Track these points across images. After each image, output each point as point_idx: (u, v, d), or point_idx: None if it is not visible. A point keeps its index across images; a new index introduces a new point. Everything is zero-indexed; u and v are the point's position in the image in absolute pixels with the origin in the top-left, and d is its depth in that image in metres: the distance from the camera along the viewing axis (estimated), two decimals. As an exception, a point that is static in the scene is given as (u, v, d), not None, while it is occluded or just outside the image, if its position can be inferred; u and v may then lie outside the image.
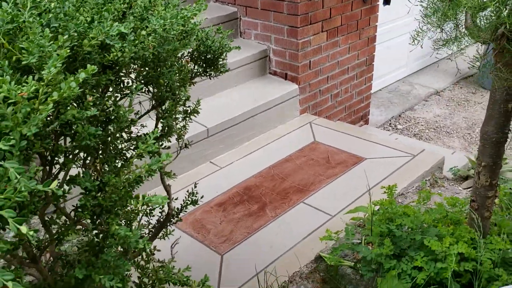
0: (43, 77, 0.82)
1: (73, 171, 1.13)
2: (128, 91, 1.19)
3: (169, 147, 1.34)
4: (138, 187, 1.46)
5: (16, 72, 0.92)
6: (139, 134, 1.23)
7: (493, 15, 1.21)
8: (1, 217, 0.67)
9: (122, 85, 1.20)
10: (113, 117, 1.11)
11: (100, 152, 1.09)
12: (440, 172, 2.90)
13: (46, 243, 1.08)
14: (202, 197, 1.66)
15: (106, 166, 1.05)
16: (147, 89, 1.27)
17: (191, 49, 1.60)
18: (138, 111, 1.46)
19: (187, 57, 1.46)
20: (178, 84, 1.27)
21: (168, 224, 1.52)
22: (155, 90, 1.24)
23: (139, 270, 1.24)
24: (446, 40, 1.47)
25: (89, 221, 1.06)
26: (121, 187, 0.98)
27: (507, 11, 1.20)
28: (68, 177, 1.00)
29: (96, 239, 1.07)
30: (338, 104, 3.79)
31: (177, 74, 1.26)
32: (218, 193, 2.68)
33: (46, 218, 1.14)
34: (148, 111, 1.35)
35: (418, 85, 4.95)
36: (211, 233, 2.38)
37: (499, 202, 2.18)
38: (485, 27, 1.26)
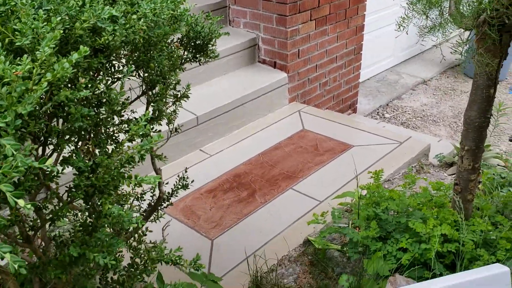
0: (37, 57, 0.84)
1: (66, 155, 1.15)
2: (120, 75, 1.21)
3: (159, 131, 1.36)
4: (130, 170, 1.48)
5: (9, 54, 0.93)
6: (130, 118, 1.25)
7: (475, 1, 1.24)
8: (-1, 193, 0.69)
9: (113, 69, 1.21)
10: (104, 100, 1.13)
11: (92, 134, 1.11)
12: (426, 159, 2.96)
13: (40, 224, 1.10)
14: (192, 182, 1.69)
15: (98, 149, 1.07)
16: (137, 73, 1.29)
17: (181, 35, 1.62)
18: (129, 96, 1.48)
19: (177, 42, 1.48)
20: (168, 68, 1.29)
21: (159, 208, 1.55)
22: (146, 75, 1.26)
23: (131, 251, 1.27)
24: (431, 27, 1.51)
25: (82, 202, 1.08)
26: (114, 167, 1.01)
27: (489, -3, 1.24)
28: (61, 158, 1.02)
29: (89, 219, 1.10)
30: (327, 92, 3.83)
31: (168, 59, 1.28)
32: (208, 181, 2.71)
33: (38, 204, 1.16)
34: (139, 96, 1.37)
35: (405, 75, 5.00)
36: (201, 219, 2.41)
37: (483, 187, 2.24)
38: (468, 13, 1.29)
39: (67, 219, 1.40)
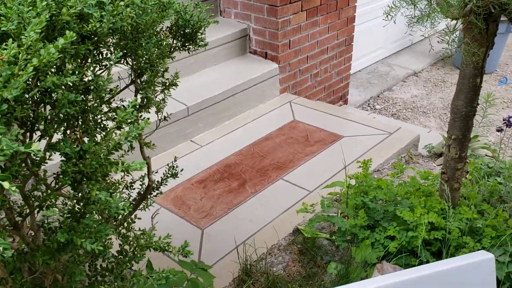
0: (22, 42, 0.84)
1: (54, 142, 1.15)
2: (107, 63, 1.21)
3: (148, 118, 1.37)
4: (120, 160, 1.48)
5: (-6, 40, 0.93)
6: (118, 106, 1.25)
7: (461, -10, 1.25)
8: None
9: (101, 56, 1.21)
10: (92, 87, 1.13)
11: (80, 121, 1.11)
12: (416, 150, 2.99)
13: (28, 211, 1.10)
14: (182, 170, 1.69)
15: (86, 136, 1.08)
16: (125, 61, 1.28)
17: (170, 24, 1.62)
18: (118, 85, 1.48)
19: (165, 30, 1.48)
20: (156, 56, 1.29)
21: (149, 197, 1.56)
22: (134, 62, 1.26)
23: (120, 238, 1.28)
24: (419, 17, 1.52)
25: (69, 188, 1.09)
26: (101, 154, 1.01)
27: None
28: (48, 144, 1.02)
29: (77, 206, 1.10)
30: (318, 84, 3.84)
31: (156, 47, 1.28)
32: (199, 171, 2.72)
33: (27, 192, 1.16)
34: (128, 85, 1.37)
35: (396, 66, 5.02)
36: (191, 209, 2.42)
37: (470, 176, 2.27)
38: (454, 2, 1.30)
39: (56, 209, 1.40)
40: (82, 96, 1.12)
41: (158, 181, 1.63)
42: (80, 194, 1.06)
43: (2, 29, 0.88)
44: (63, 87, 1.02)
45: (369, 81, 4.76)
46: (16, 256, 1.11)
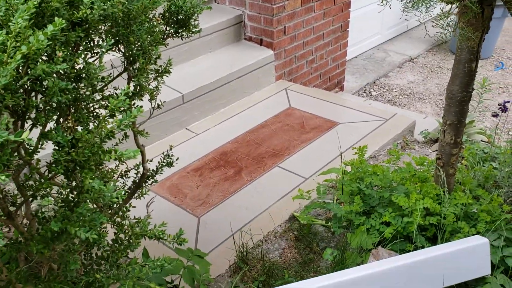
0: (11, 29, 0.82)
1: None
2: (99, 50, 1.19)
3: (141, 106, 1.36)
4: (115, 147, 1.47)
5: (-17, 27, 0.91)
6: (111, 94, 1.24)
7: (457, -27, 1.24)
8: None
9: (92, 44, 1.20)
10: (84, 75, 1.12)
11: (72, 109, 1.10)
12: (411, 136, 2.99)
13: (21, 200, 1.09)
14: (177, 159, 1.68)
15: (79, 124, 1.07)
16: (118, 48, 1.27)
17: (163, 10, 1.60)
18: (111, 73, 1.47)
19: (158, 16, 1.46)
20: (149, 42, 1.27)
21: (144, 185, 1.55)
22: (126, 49, 1.25)
23: (115, 227, 1.28)
24: (415, 1, 1.51)
25: (63, 177, 1.08)
26: (94, 142, 1.00)
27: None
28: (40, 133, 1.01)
29: (71, 195, 1.10)
30: (314, 70, 3.82)
31: (148, 33, 1.27)
32: (195, 159, 2.71)
33: (21, 181, 1.15)
34: (121, 73, 1.36)
35: (392, 52, 5.00)
36: (188, 197, 2.42)
37: (465, 161, 2.27)
38: (449, -14, 1.29)
39: (51, 198, 1.40)
40: (74, 84, 1.11)
41: (153, 170, 1.63)
42: (74, 183, 1.05)
43: (-11, 16, 0.87)
44: (54, 75, 1.01)
45: (365, 67, 4.74)
46: (11, 246, 1.10)
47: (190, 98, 2.96)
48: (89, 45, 1.16)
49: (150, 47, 1.27)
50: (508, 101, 2.41)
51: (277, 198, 2.39)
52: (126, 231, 1.24)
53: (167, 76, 1.43)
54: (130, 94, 1.25)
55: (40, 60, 0.98)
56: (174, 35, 1.61)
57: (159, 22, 1.32)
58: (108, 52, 1.25)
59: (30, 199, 1.16)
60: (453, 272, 1.63)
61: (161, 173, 1.68)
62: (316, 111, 3.15)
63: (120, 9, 1.12)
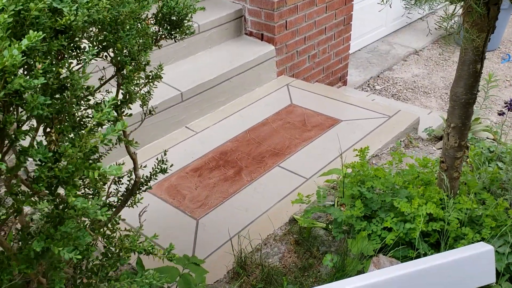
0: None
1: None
2: (86, 57, 1.14)
3: (131, 114, 1.31)
4: (108, 153, 1.43)
5: (-44, 39, 0.86)
6: (99, 101, 1.19)
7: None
8: None
9: (78, 51, 1.15)
10: (69, 85, 1.07)
11: (56, 121, 1.05)
12: (415, 133, 2.92)
13: (5, 216, 1.05)
14: (172, 165, 1.63)
15: (62, 137, 1.02)
16: (105, 54, 1.22)
17: (156, 10, 1.54)
18: (103, 76, 1.41)
19: (150, 19, 1.40)
20: (138, 48, 1.22)
21: (138, 192, 1.51)
22: (114, 55, 1.20)
23: (104, 240, 1.23)
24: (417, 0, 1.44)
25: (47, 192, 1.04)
26: (78, 157, 0.96)
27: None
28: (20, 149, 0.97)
29: (56, 211, 1.05)
30: (316, 65, 3.75)
31: (137, 38, 1.21)
32: (194, 159, 2.66)
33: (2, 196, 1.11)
34: (109, 79, 1.30)
35: (397, 45, 4.91)
36: (186, 199, 2.38)
37: (471, 161, 2.21)
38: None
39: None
40: (58, 94, 1.06)
41: (147, 176, 1.58)
42: (58, 199, 1.01)
43: (-40, 29, 0.82)
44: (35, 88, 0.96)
45: (369, 60, 4.66)
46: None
47: (189, 96, 2.90)
48: (74, 53, 1.10)
49: (139, 53, 1.22)
50: (515, 99, 2.34)
51: (278, 199, 2.34)
52: (116, 244, 1.20)
53: (158, 82, 1.38)
54: (118, 103, 1.19)
55: (20, 73, 0.93)
56: (167, 37, 1.56)
57: (149, 25, 1.27)
58: (96, 59, 1.20)
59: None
60: (457, 280, 1.57)
61: (156, 179, 1.63)
62: (318, 108, 3.08)
63: (105, 15, 1.06)
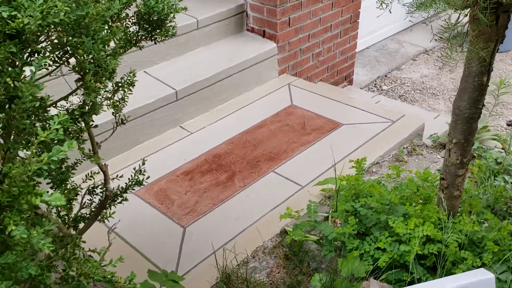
0: None
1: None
2: (44, 63, 1.03)
3: (96, 126, 1.20)
4: (84, 160, 1.32)
5: None
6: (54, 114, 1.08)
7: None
8: None
9: (35, 56, 1.04)
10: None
11: (4, 137, 0.95)
12: (420, 139, 2.78)
13: None
14: (147, 178, 1.52)
15: (9, 155, 0.91)
16: (67, 61, 1.11)
17: (138, 9, 1.43)
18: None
19: (132, 17, 1.29)
20: (105, 54, 1.11)
21: (110, 206, 1.40)
22: (76, 62, 1.09)
23: (64, 263, 1.14)
24: (418, 5, 1.31)
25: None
26: (22, 179, 0.85)
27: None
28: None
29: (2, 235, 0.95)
30: (320, 64, 3.61)
31: (104, 43, 1.10)
32: (186, 161, 2.56)
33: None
34: (74, 91, 1.19)
35: (407, 43, 4.75)
36: (175, 204, 2.27)
37: (477, 174, 2.07)
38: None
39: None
40: (7, 106, 0.95)
41: (122, 188, 1.47)
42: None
43: None
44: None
45: (377, 59, 4.51)
46: None
47: (185, 94, 2.79)
48: (27, 60, 0.99)
49: (106, 59, 1.10)
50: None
51: (270, 208, 2.22)
52: (75, 268, 1.10)
53: (131, 90, 1.27)
54: (76, 115, 1.09)
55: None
56: (147, 38, 1.44)
57: (119, 28, 1.15)
58: (57, 66, 1.10)
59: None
60: (453, 309, 1.46)
61: (133, 190, 1.53)
62: (319, 110, 2.95)
63: (61, 18, 0.95)
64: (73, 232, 1.41)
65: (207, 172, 2.47)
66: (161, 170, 2.49)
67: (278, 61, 3.27)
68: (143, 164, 1.53)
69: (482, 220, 1.70)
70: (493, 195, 1.80)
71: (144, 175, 1.50)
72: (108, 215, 1.37)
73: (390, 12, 1.39)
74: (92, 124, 1.18)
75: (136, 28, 1.43)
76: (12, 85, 0.92)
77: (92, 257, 1.21)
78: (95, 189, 1.48)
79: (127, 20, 1.45)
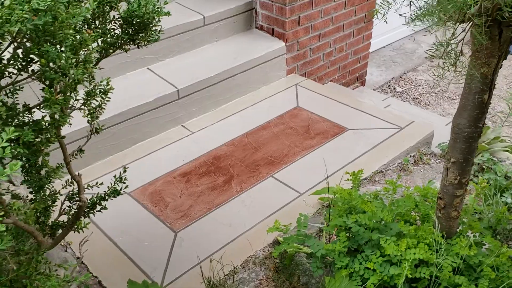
0: None
1: None
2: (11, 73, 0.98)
3: (63, 137, 1.15)
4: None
5: None
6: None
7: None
8: None
9: (-2, 65, 0.99)
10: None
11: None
12: (428, 147, 2.67)
13: None
14: (126, 187, 1.47)
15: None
16: (32, 70, 1.06)
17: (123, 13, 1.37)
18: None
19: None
20: (74, 62, 1.05)
21: (84, 216, 1.36)
22: (40, 71, 1.03)
23: (26, 280, 1.09)
24: (416, 17, 1.22)
25: None
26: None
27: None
28: None
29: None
30: (331, 64, 3.51)
31: (72, 51, 1.04)
32: (185, 162, 2.51)
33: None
34: (39, 104, 1.13)
35: (425, 44, 4.59)
36: (168, 207, 2.23)
37: (481, 191, 1.96)
38: (450, 7, 1.00)
39: None
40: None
41: (101, 196, 1.43)
42: None
43: None
44: None
45: (393, 59, 4.37)
46: None
47: (187, 93, 2.74)
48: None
49: (74, 68, 1.05)
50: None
51: (265, 215, 2.16)
52: (36, 286, 1.06)
53: (103, 98, 1.21)
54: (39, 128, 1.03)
55: None
56: (130, 43, 1.39)
57: (90, 34, 1.10)
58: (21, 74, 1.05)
59: None
60: None
61: (113, 198, 1.48)
62: (325, 113, 2.86)
63: (20, 27, 0.90)
64: (50, 240, 1.37)
65: (205, 174, 2.42)
66: (158, 170, 2.44)
67: (286, 61, 3.19)
68: (124, 171, 1.48)
69: (482, 241, 1.61)
70: (496, 216, 1.69)
71: (124, 183, 1.45)
72: (83, 225, 1.33)
73: (386, 23, 1.29)
74: (60, 136, 1.13)
75: (118, 31, 1.38)
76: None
77: (59, 275, 1.17)
78: (75, 196, 1.44)
79: (112, 22, 1.40)
